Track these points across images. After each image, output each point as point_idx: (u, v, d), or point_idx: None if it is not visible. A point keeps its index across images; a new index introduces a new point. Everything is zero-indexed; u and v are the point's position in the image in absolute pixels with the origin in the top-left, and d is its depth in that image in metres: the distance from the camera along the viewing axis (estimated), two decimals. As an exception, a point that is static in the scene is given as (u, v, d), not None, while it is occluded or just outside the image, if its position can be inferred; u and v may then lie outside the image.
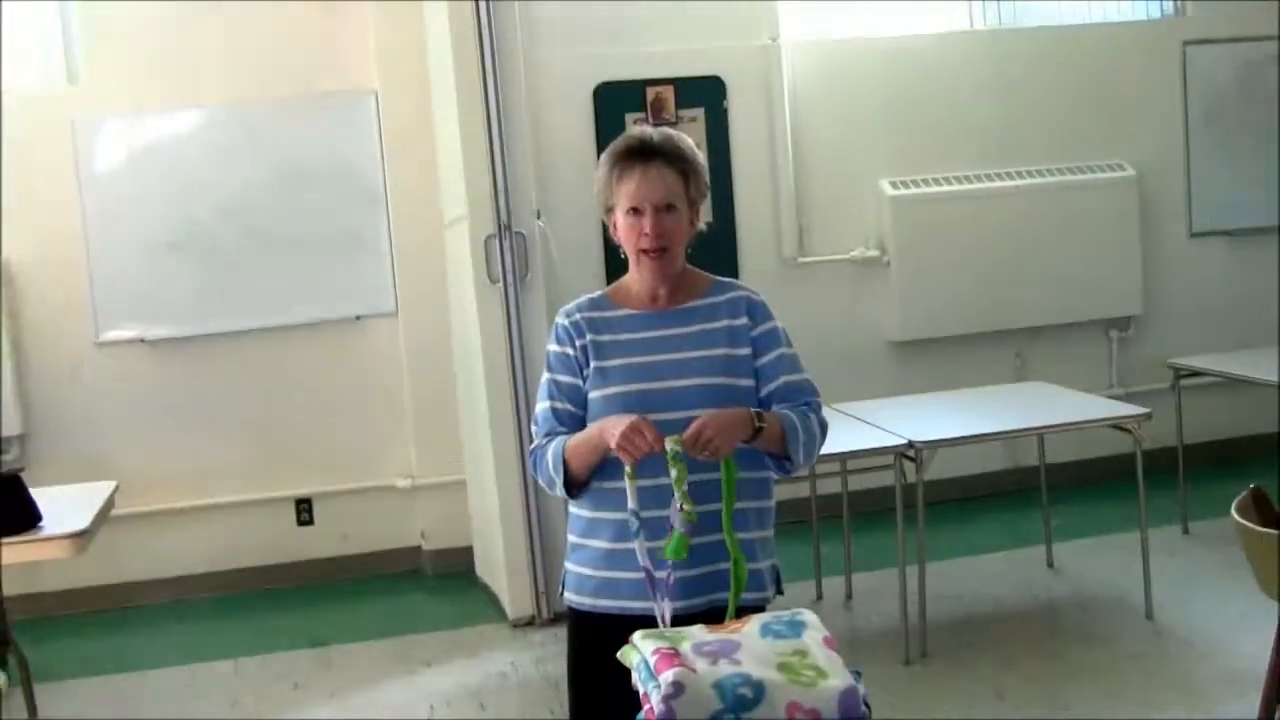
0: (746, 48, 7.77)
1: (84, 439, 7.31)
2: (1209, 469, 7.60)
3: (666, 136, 3.35)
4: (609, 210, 3.38)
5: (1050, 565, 6.85)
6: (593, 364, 3.33)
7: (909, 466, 5.72)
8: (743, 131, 7.78)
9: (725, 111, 7.72)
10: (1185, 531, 7.19)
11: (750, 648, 2.75)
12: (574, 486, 3.32)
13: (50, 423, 7.30)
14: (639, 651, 2.79)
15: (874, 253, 7.99)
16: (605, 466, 3.26)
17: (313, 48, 7.43)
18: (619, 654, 2.86)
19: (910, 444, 5.69)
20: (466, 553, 7.52)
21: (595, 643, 3.22)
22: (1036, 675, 5.53)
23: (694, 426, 3.10)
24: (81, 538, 4.88)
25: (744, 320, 3.36)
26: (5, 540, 4.74)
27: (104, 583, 7.34)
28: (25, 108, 7.13)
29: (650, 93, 7.56)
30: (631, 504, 3.13)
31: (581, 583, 3.36)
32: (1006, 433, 6.20)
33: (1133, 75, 8.36)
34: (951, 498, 7.81)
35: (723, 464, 3.13)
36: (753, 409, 3.23)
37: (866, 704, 2.71)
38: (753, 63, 7.78)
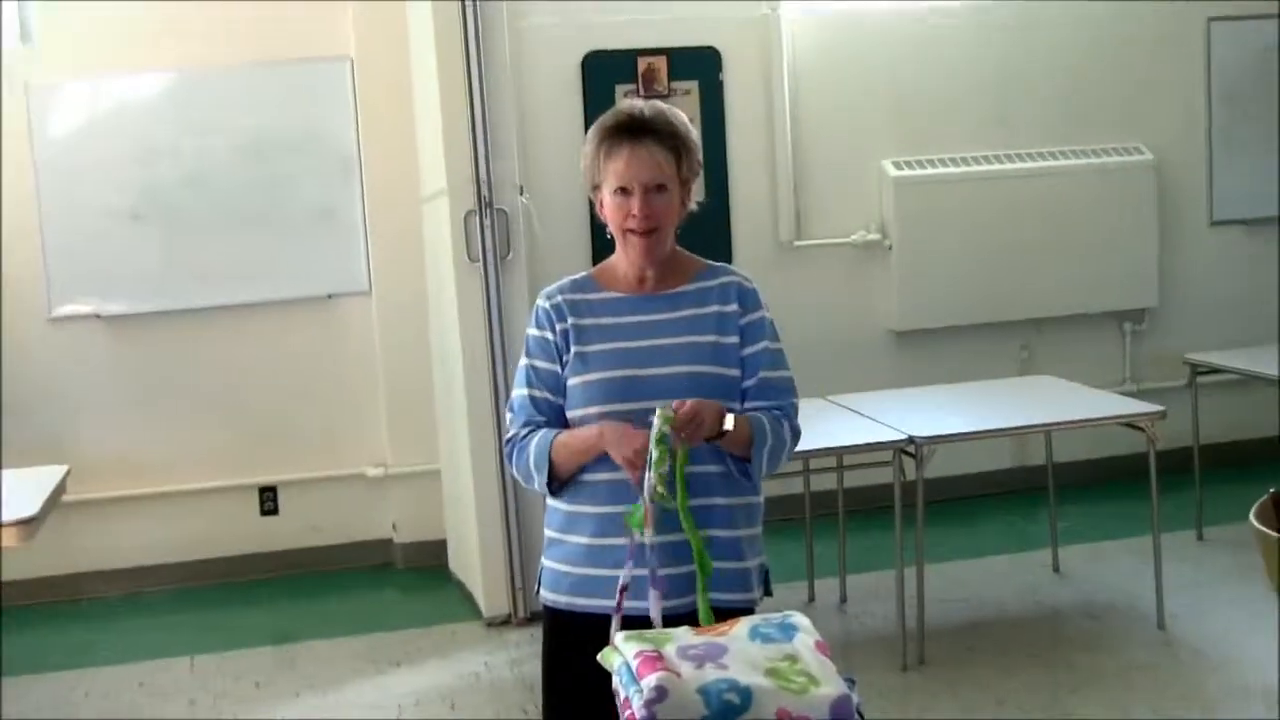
0: (744, 17, 7.75)
1: (34, 421, 7.28)
2: (1226, 471, 7.60)
3: (658, 111, 3.33)
4: (595, 188, 3.37)
5: (1056, 570, 6.86)
6: (573, 348, 3.32)
7: (908, 463, 5.72)
8: (739, 106, 7.76)
9: (721, 84, 7.71)
10: (1200, 537, 7.19)
11: (738, 651, 2.74)
12: (555, 483, 3.31)
13: (-1, 403, 7.29)
14: (620, 654, 2.78)
15: (875, 236, 7.98)
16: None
17: (284, 10, 7.39)
18: (599, 656, 2.85)
19: (910, 439, 5.69)
20: (440, 546, 7.52)
21: (572, 644, 3.22)
22: (1040, 685, 5.54)
23: (691, 406, 3.09)
24: (29, 525, 4.86)
25: (734, 307, 3.36)
26: (-56, 527, 4.73)
27: (54, 574, 7.33)
28: (-25, 68, 7.12)
29: (642, 63, 7.54)
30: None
31: (558, 580, 3.35)
32: (1012, 429, 6.21)
33: (1152, 52, 8.34)
34: (953, 497, 7.82)
35: (680, 451, 3.08)
36: (726, 409, 3.21)
37: (860, 713, 2.70)
38: (750, 33, 7.76)
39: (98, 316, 7.35)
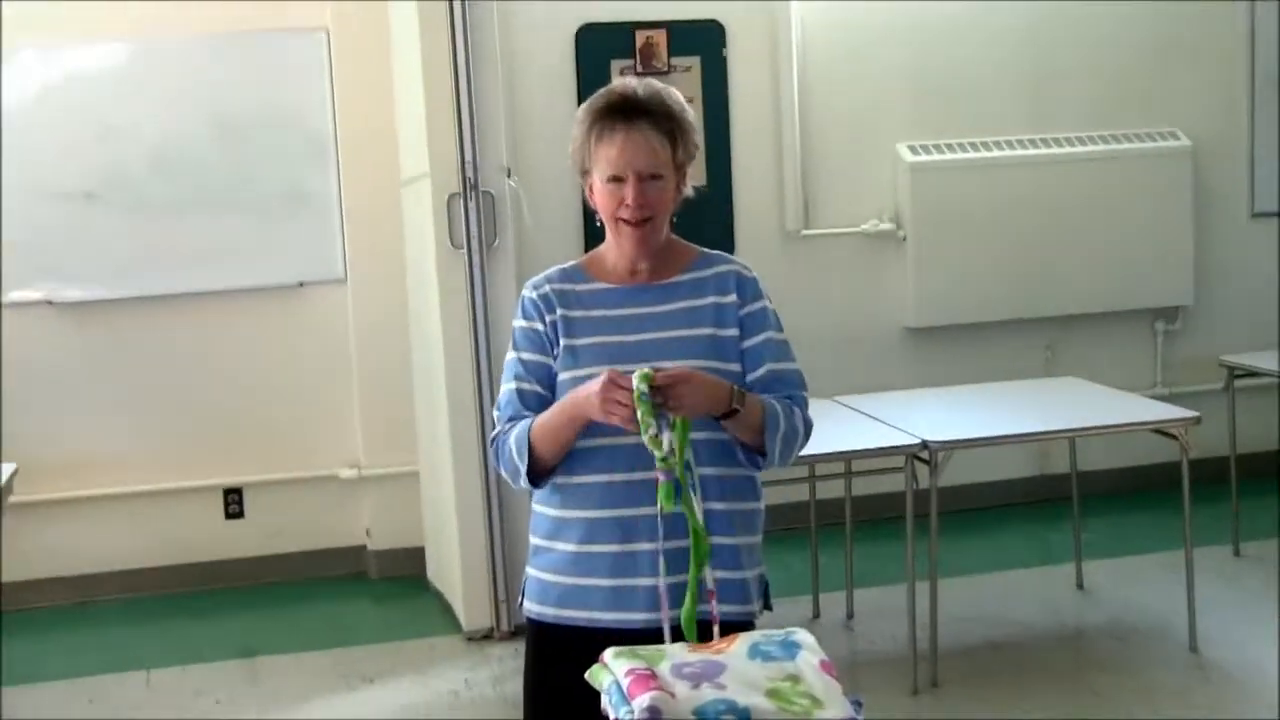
0: (751, -12, 7.78)
1: (-18, 415, 7.30)
2: (1265, 482, 7.63)
3: (654, 92, 3.32)
4: (584, 173, 3.37)
5: (1080, 586, 6.87)
6: (562, 341, 3.32)
7: (921, 469, 5.73)
8: (743, 84, 7.77)
9: (724, 60, 7.71)
10: (1237, 553, 7.20)
11: (736, 670, 2.75)
12: (539, 475, 3.31)
13: (-56, 395, 7.29)
14: (610, 672, 2.79)
15: (889, 226, 7.99)
16: (575, 459, 3.27)
17: (255, -24, 7.41)
18: (587, 674, 2.85)
19: (924, 444, 5.70)
20: (417, 554, 7.52)
21: (558, 660, 3.22)
22: (1061, 710, 5.54)
23: (678, 369, 3.10)
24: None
25: (733, 298, 3.37)
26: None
27: None
28: (-80, 36, 7.12)
29: (640, 37, 7.54)
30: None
31: (545, 591, 3.36)
32: (1034, 434, 6.21)
33: (1191, 31, 8.35)
34: (969, 506, 7.83)
35: (678, 421, 3.10)
36: (736, 387, 3.22)
37: (867, 738, 2.72)
38: (756, 6, 7.76)
39: (50, 303, 7.34)
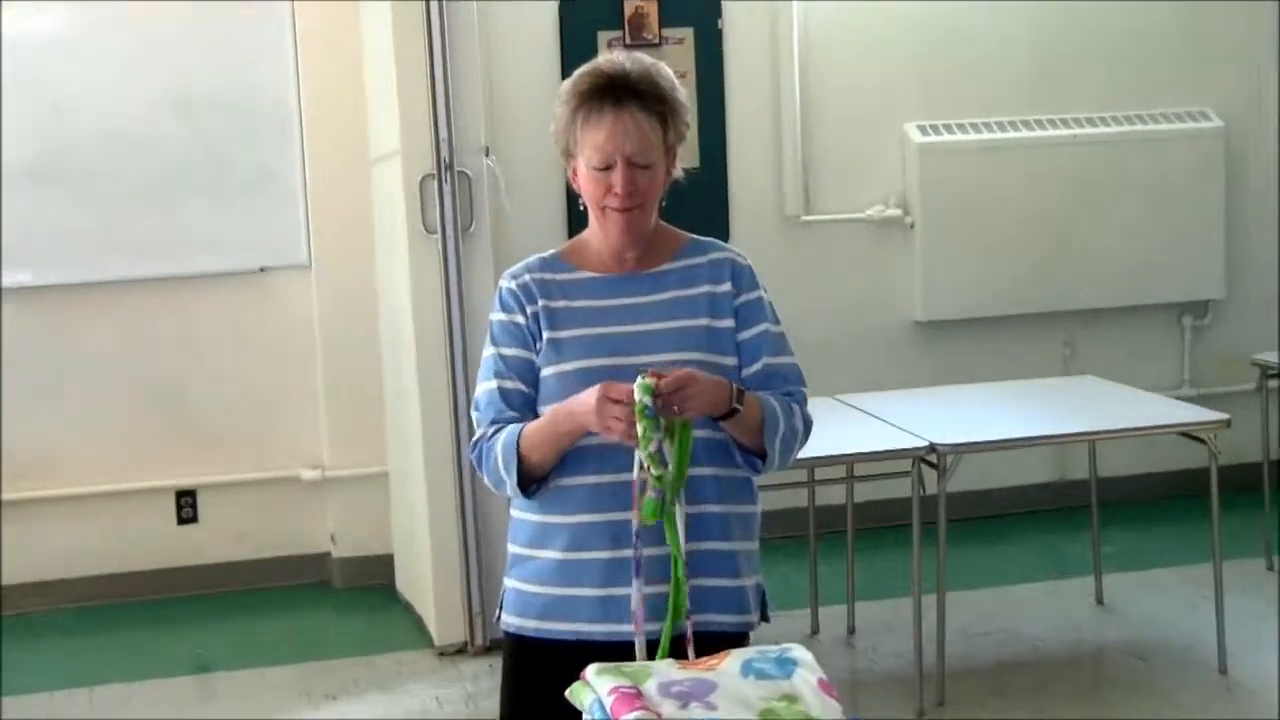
0: (748, -47, 7.79)
1: (-86, 409, 7.30)
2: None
3: (644, 70, 3.32)
4: (568, 155, 3.37)
5: (1100, 601, 6.88)
6: (545, 335, 3.33)
7: (929, 474, 5.74)
8: (740, 58, 7.77)
9: (719, 33, 7.72)
10: (1270, 566, 7.19)
11: (728, 689, 2.76)
12: (529, 485, 3.30)
13: (-126, 388, 7.29)
14: (593, 690, 2.80)
15: (896, 212, 8.01)
16: (562, 460, 3.27)
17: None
18: (568, 692, 2.87)
19: (931, 447, 5.71)
20: (386, 562, 7.53)
21: (538, 677, 3.24)
22: (1077, 734, 5.58)
23: (680, 373, 3.10)
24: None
25: (727, 287, 3.38)
26: None
27: (-69, 589, 7.34)
28: None
29: (629, 6, 7.54)
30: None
31: (526, 603, 3.36)
32: (1050, 437, 6.24)
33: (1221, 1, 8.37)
34: (980, 514, 7.86)
35: (678, 426, 3.12)
36: (734, 384, 3.23)
37: (868, 761, 2.74)
38: (756, -28, 7.80)
39: (-9, 289, 7.35)
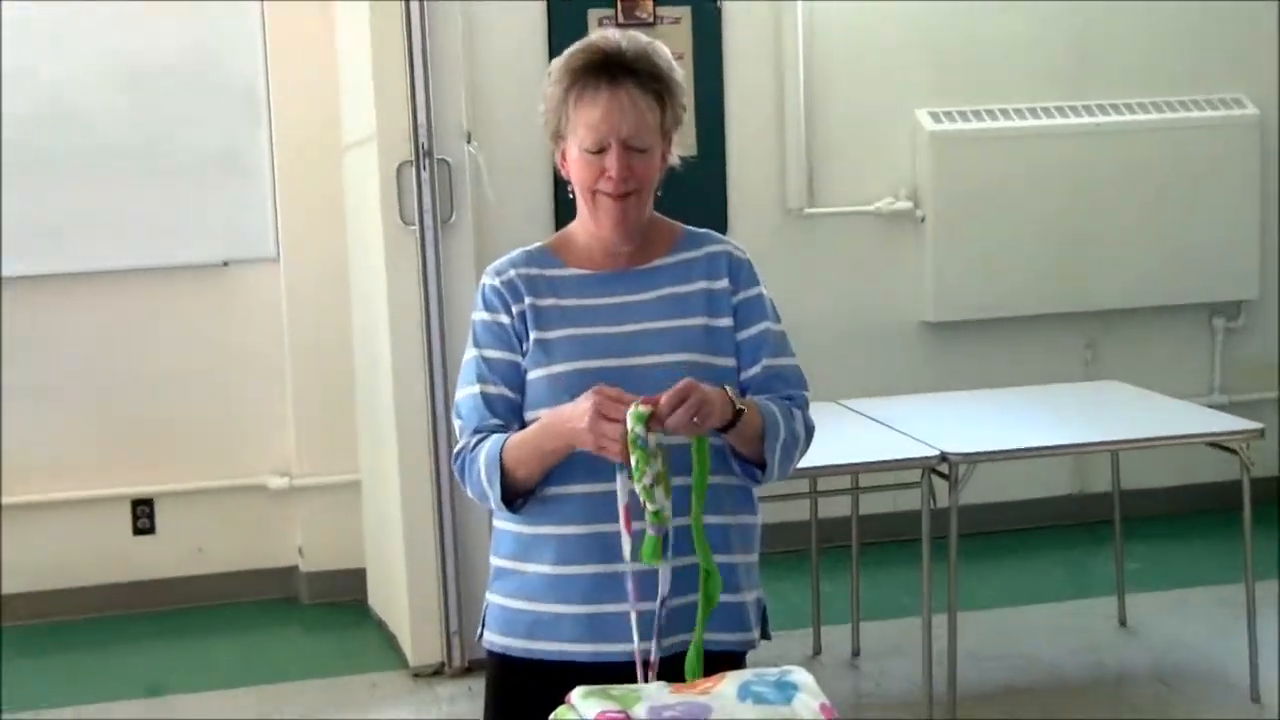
0: (749, -73, 7.80)
1: None
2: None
3: (640, 48, 3.32)
4: (558, 138, 3.37)
5: (1123, 623, 6.90)
6: (532, 335, 3.32)
7: (940, 485, 5.74)
8: (740, 39, 7.79)
9: (718, 12, 7.74)
10: (1304, 586, 7.25)
11: (724, 713, 2.76)
12: (514, 499, 3.29)
13: None
14: (578, 714, 2.81)
15: (905, 205, 8.03)
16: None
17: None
18: (552, 717, 2.88)
19: (943, 456, 5.71)
20: (357, 577, 7.54)
21: (522, 699, 3.25)
22: (1097, 764, 5.60)
23: (680, 387, 3.06)
24: None
25: (725, 283, 3.39)
26: None
27: None
28: None
29: (622, -17, 7.59)
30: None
31: (510, 620, 3.36)
32: (1070, 447, 6.27)
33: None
34: (994, 529, 7.88)
35: (694, 441, 3.11)
36: (732, 390, 3.21)
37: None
38: (757, -52, 7.81)
39: (-69, 282, 7.35)
